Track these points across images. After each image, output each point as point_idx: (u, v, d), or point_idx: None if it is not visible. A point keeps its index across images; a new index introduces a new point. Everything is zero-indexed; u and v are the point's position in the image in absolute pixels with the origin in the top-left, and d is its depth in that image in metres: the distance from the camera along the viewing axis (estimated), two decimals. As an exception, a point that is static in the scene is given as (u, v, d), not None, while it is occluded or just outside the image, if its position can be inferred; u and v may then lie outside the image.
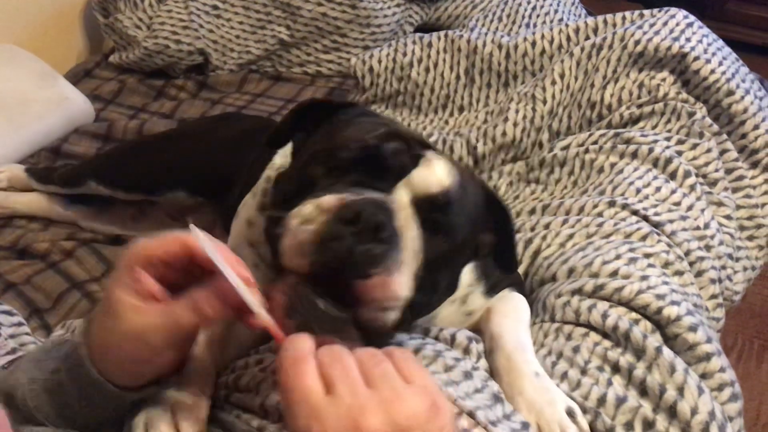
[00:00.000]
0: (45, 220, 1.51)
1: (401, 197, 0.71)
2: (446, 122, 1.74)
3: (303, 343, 0.55)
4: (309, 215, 0.67)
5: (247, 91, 1.98)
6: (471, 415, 0.69)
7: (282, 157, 0.99)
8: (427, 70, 1.75)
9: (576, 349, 0.96)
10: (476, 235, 0.83)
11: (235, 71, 2.04)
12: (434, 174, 0.73)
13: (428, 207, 0.72)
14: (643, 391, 0.91)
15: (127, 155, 1.46)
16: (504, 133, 1.55)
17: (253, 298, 0.59)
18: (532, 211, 1.29)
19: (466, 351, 0.88)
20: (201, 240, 0.59)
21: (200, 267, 0.61)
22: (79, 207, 1.51)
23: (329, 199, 0.67)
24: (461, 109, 1.76)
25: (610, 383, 0.91)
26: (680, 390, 0.90)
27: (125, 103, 1.93)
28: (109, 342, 0.62)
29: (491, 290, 0.99)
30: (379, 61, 1.76)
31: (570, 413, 0.83)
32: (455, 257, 0.78)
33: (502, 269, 0.87)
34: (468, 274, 0.94)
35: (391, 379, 0.52)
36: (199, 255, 0.60)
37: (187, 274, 0.62)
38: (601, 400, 0.89)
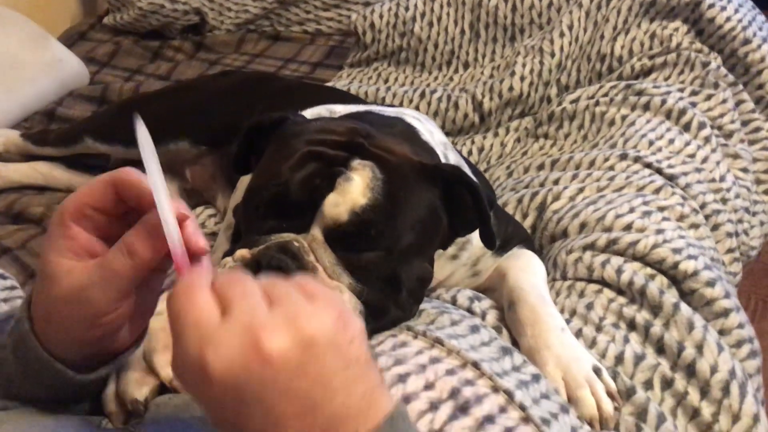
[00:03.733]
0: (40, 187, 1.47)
1: (315, 233, 0.72)
2: (451, 79, 1.68)
3: (201, 272, 0.49)
4: (225, 263, 0.72)
5: (246, 52, 1.92)
6: (475, 365, 0.66)
7: None
8: (431, 24, 1.69)
9: (590, 306, 0.92)
10: (434, 229, 0.79)
11: (232, 31, 1.99)
12: (347, 197, 0.72)
13: (342, 235, 0.72)
14: (660, 348, 0.88)
15: (125, 110, 1.41)
16: (511, 88, 1.49)
17: (171, 217, 0.51)
18: (541, 167, 1.25)
19: (469, 311, 0.84)
20: (140, 134, 0.52)
21: (137, 211, 0.55)
22: (77, 172, 1.47)
23: (240, 253, 0.72)
24: (466, 65, 1.70)
25: (627, 340, 0.88)
26: (699, 348, 0.87)
27: (120, 65, 1.88)
28: (51, 310, 0.57)
29: (501, 249, 0.96)
30: (381, 16, 1.70)
31: (596, 371, 0.80)
32: (404, 261, 0.75)
33: (485, 245, 0.83)
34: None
35: (293, 296, 0.46)
36: (127, 189, 0.54)
37: (125, 223, 0.56)
38: (619, 358, 0.85)
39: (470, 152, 1.45)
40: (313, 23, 1.98)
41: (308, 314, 0.45)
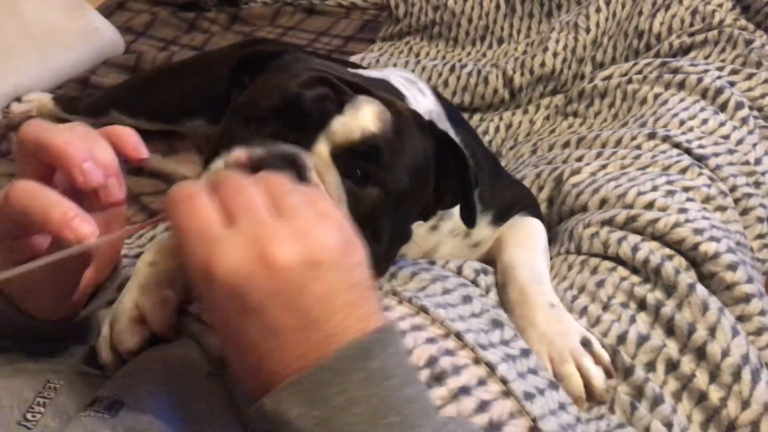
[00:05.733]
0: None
1: (320, 149, 0.65)
2: (484, 55, 1.64)
3: (194, 184, 0.47)
4: (215, 167, 0.62)
5: (280, 25, 1.91)
6: (458, 336, 0.64)
7: None
8: (465, -2, 1.65)
9: (600, 284, 0.89)
10: (425, 185, 0.74)
11: (268, 4, 1.97)
12: (357, 120, 0.66)
13: (350, 156, 0.65)
14: (670, 330, 0.84)
15: (147, 84, 1.42)
16: (543, 64, 1.45)
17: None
18: (566, 144, 1.20)
19: (474, 284, 0.82)
20: None
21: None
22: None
23: (236, 155, 0.62)
24: (500, 41, 1.66)
25: (633, 320, 0.84)
26: (711, 330, 0.82)
27: (156, 35, 1.90)
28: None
29: (500, 218, 0.92)
30: (414, -11, 1.67)
31: (585, 343, 0.77)
32: (395, 208, 0.69)
33: (463, 222, 0.78)
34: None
35: (304, 210, 0.46)
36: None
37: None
38: (621, 338, 0.82)
39: (498, 128, 1.41)
40: (349, -4, 1.96)
41: (317, 232, 0.45)
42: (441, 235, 0.89)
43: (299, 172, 0.62)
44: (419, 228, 0.83)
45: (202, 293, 0.45)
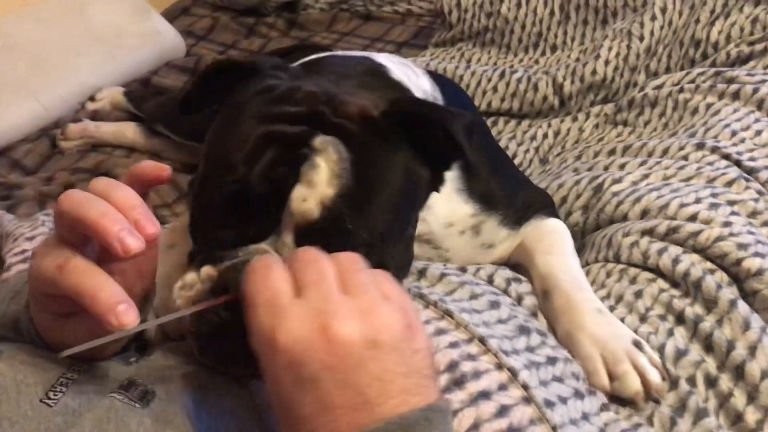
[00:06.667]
0: (129, 148, 1.56)
1: (285, 239, 0.62)
2: (536, 62, 1.63)
3: (269, 256, 0.51)
4: (190, 282, 0.62)
5: (336, 30, 1.95)
6: (482, 341, 0.64)
7: None
8: (519, 5, 1.65)
9: (638, 294, 0.88)
10: (415, 187, 0.71)
11: (326, 10, 2.01)
12: (314, 189, 0.61)
13: (316, 235, 0.61)
14: (708, 346, 0.82)
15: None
16: (594, 72, 1.43)
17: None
18: (612, 152, 1.19)
19: (505, 293, 0.82)
20: None
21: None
22: (162, 138, 1.55)
23: (205, 272, 0.61)
24: (554, 48, 1.64)
25: (671, 334, 0.83)
26: (752, 349, 0.80)
27: (217, 39, 1.96)
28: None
29: (515, 221, 0.91)
30: (468, -5, 1.68)
31: (637, 345, 0.77)
32: (390, 246, 0.66)
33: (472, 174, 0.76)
34: (453, 203, 0.86)
35: (370, 290, 0.47)
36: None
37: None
38: (659, 351, 0.81)
39: (546, 135, 1.40)
40: (405, 3, 1.97)
41: (380, 312, 0.46)
42: (449, 232, 0.88)
43: None
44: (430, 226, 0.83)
45: (264, 361, 0.47)
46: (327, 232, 0.62)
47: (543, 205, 0.97)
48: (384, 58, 0.90)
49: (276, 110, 0.67)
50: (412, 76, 0.90)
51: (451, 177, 0.86)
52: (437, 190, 0.75)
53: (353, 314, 0.45)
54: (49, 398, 0.52)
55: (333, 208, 0.62)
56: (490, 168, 0.91)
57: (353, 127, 0.66)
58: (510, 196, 0.92)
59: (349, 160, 0.63)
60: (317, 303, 0.46)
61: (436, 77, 1.01)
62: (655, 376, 0.76)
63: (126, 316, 0.48)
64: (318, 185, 0.62)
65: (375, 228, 0.64)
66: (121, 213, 0.49)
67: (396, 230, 0.67)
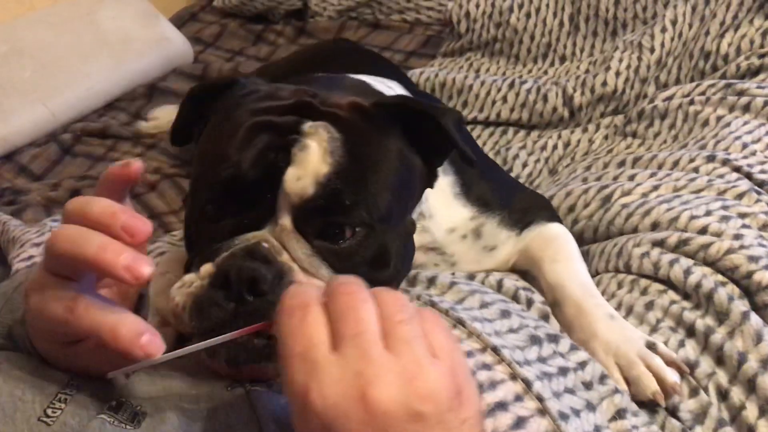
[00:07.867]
0: (139, 155, 1.54)
1: (284, 222, 0.61)
2: (545, 72, 1.63)
3: (309, 288, 0.46)
4: (189, 280, 0.62)
5: (345, 39, 1.94)
6: (495, 350, 0.64)
7: None
8: (528, 15, 1.65)
9: (649, 306, 0.87)
10: (411, 172, 0.71)
11: (334, 18, 2.01)
12: (308, 167, 0.61)
13: (314, 214, 0.61)
14: (719, 359, 0.81)
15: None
16: (604, 83, 1.43)
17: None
18: (622, 164, 1.18)
19: (515, 299, 0.82)
20: None
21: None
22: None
23: (204, 269, 0.60)
24: (563, 59, 1.64)
25: (682, 345, 0.82)
26: (764, 362, 0.80)
27: (224, 46, 1.96)
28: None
29: (514, 222, 0.91)
30: (477, 6, 1.68)
31: (650, 347, 0.77)
32: (387, 228, 0.65)
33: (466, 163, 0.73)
34: (452, 208, 0.86)
35: (416, 347, 0.42)
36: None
37: None
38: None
39: (555, 146, 1.39)
40: (413, 12, 1.97)
41: (426, 376, 0.42)
42: (452, 238, 0.89)
43: (269, 261, 0.59)
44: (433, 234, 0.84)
45: (295, 417, 0.44)
46: (324, 210, 0.61)
47: (541, 207, 0.97)
48: (362, 77, 0.93)
49: (264, 105, 0.68)
50: (392, 90, 0.94)
51: (448, 182, 0.87)
52: (431, 186, 0.76)
53: (395, 379, 0.41)
54: (48, 416, 0.50)
55: (328, 184, 0.61)
56: (482, 171, 0.92)
57: (344, 114, 0.67)
58: (505, 197, 0.92)
59: (340, 140, 0.63)
60: (356, 363, 0.42)
61: (421, 94, 1.06)
62: (670, 375, 0.76)
63: (151, 346, 0.47)
64: (311, 164, 0.61)
65: (374, 206, 0.63)
66: (104, 224, 0.47)
67: (395, 214, 0.66)
